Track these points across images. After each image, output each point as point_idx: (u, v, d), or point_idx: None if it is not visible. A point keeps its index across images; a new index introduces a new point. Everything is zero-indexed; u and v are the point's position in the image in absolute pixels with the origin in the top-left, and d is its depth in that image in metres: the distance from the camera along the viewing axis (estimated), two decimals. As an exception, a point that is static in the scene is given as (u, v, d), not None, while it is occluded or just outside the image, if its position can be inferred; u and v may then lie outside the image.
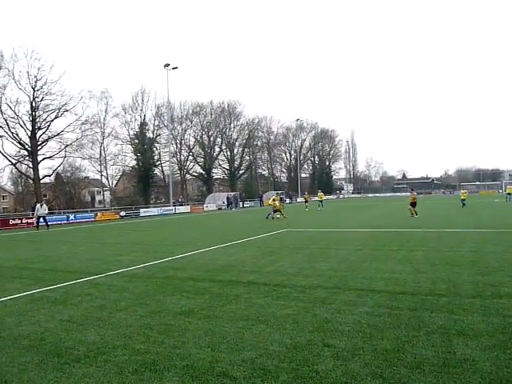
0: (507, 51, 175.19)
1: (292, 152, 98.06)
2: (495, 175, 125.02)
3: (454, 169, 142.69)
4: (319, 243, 14.02)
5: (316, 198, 43.98)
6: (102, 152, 57.46)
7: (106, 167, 58.81)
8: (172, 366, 4.38)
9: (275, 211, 28.15)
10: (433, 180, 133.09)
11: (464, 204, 33.22)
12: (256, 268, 9.83)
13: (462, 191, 35.91)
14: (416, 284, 7.56)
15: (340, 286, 7.61)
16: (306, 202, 42.31)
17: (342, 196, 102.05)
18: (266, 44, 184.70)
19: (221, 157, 77.42)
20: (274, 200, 28.80)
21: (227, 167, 78.00)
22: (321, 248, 12.79)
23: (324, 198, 44.17)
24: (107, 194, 64.19)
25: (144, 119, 60.18)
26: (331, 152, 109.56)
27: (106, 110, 57.61)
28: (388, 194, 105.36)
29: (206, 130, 73.44)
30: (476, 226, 18.12)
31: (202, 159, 73.16)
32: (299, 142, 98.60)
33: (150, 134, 61.35)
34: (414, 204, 24.24)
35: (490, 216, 24.09)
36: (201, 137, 73.27)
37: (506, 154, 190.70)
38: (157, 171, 64.03)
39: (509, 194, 44.71)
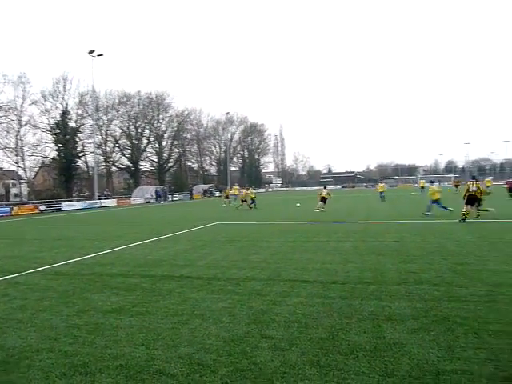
0: (426, 54, 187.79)
1: (221, 145, 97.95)
2: (411, 170, 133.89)
3: (376, 164, 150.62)
4: (251, 236, 14.12)
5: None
6: (19, 142, 53.35)
7: (22, 158, 54.58)
8: (104, 367, 4.16)
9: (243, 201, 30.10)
10: (356, 174, 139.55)
11: (383, 197, 34.45)
12: (188, 262, 9.66)
13: (380, 185, 37.45)
14: (346, 273, 7.85)
15: (274, 278, 7.70)
16: (227, 197, 38.51)
17: (270, 189, 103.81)
18: (196, 35, 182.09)
19: (149, 149, 75.33)
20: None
21: (155, 160, 76.06)
22: (253, 241, 12.88)
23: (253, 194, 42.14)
24: (24, 186, 59.81)
25: (66, 108, 56.63)
26: (260, 146, 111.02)
27: (23, 97, 53.35)
28: (315, 188, 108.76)
29: (133, 120, 70.93)
30: (397, 217, 19.25)
31: (129, 151, 70.65)
32: (229, 135, 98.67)
33: (72, 124, 57.93)
34: (324, 199, 25.03)
35: (408, 208, 25.77)
36: (128, 128, 70.67)
37: (421, 151, 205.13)
38: (80, 163, 60.67)
39: (422, 187, 48.49)
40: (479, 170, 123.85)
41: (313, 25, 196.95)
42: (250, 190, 32.27)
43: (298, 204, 29.43)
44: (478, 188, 16.40)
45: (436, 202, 19.37)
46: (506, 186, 33.28)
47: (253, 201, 30.19)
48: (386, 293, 6.42)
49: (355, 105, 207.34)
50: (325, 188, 27.24)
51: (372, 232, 13.96)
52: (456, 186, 44.05)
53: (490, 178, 52.90)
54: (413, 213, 21.37)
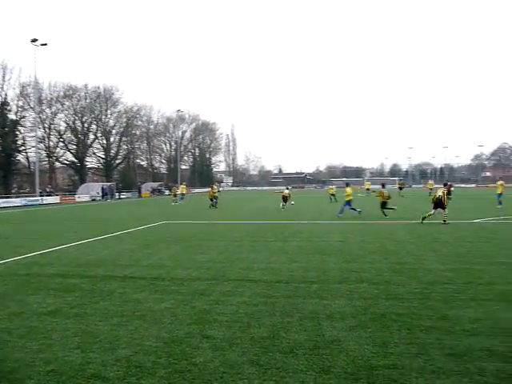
0: (373, 62, 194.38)
1: (172, 143, 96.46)
2: (359, 172, 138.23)
3: (325, 165, 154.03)
4: (199, 235, 14.00)
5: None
6: (-49, 133, 49.88)
7: (-45, 151, 51.16)
8: (35, 372, 3.97)
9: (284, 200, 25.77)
10: (306, 175, 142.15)
11: (333, 199, 34.98)
12: (132, 262, 9.43)
13: (330, 187, 38.43)
14: (290, 273, 7.97)
15: (218, 278, 7.68)
16: (175, 195, 38.01)
17: (221, 189, 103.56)
18: (146, 29, 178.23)
19: (96, 145, 72.77)
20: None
21: (103, 156, 73.64)
22: (200, 240, 12.78)
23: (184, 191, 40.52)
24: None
25: (5, 99, 53.58)
26: (212, 145, 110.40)
27: (-44, 85, 50.02)
28: (265, 188, 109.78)
29: (79, 115, 68.26)
30: (342, 218, 19.78)
31: (75, 146, 67.95)
32: (180, 133, 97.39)
33: (12, 116, 54.89)
34: (285, 198, 25.65)
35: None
36: (73, 122, 67.93)
37: (368, 154, 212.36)
38: (20, 157, 57.62)
39: (367, 189, 50.17)
40: (421, 173, 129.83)
41: (264, 22, 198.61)
42: (214, 187, 31.26)
43: (293, 202, 27.76)
44: (443, 193, 16.87)
45: (348, 203, 20.42)
46: (444, 188, 35.00)
47: (215, 198, 29.51)
48: (327, 291, 6.58)
49: (306, 106, 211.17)
50: (287, 189, 27.64)
51: (318, 232, 14.26)
52: (400, 188, 45.71)
53: (431, 181, 55.60)
54: (355, 214, 22.05)
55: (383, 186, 21.94)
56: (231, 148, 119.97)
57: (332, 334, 4.77)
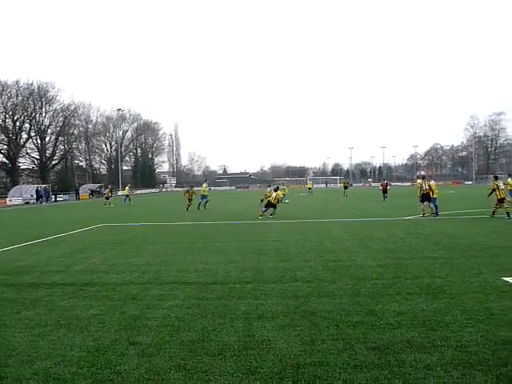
0: (314, 63, 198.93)
1: (113, 143, 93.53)
2: (302, 172, 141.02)
3: (269, 165, 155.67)
4: (136, 238, 13.63)
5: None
6: None
7: None
8: None
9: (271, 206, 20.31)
10: (250, 175, 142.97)
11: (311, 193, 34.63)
12: (62, 267, 9.00)
13: (282, 187, 38.47)
14: (226, 273, 7.94)
15: (153, 281, 7.50)
16: (108, 198, 36.59)
17: (165, 189, 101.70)
18: (83, 23, 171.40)
19: (29, 145, 69.13)
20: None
21: (37, 156, 69.98)
22: (137, 243, 12.44)
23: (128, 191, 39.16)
24: None
25: None
26: (154, 145, 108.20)
27: None
28: (210, 188, 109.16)
29: (10, 113, 64.52)
30: (281, 217, 20.04)
31: (6, 146, 64.09)
32: (121, 132, 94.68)
33: None
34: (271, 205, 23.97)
35: (295, 208, 27.01)
36: (4, 121, 64.03)
37: (311, 154, 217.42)
38: None
39: (309, 188, 51.52)
40: (361, 172, 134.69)
41: (205, 19, 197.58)
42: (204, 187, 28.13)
43: (287, 200, 26.42)
44: (430, 187, 18.17)
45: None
46: (380, 187, 36.52)
47: (190, 200, 27.01)
48: (261, 291, 6.61)
49: (250, 107, 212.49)
50: (277, 190, 26.05)
51: (257, 232, 14.36)
52: (345, 187, 45.81)
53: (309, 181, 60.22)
54: (298, 213, 22.48)
55: (326, 184, 22.35)
56: (175, 148, 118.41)
57: (262, 334, 4.79)
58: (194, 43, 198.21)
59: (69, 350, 4.47)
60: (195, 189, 30.35)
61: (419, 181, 19.89)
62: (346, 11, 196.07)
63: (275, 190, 20.69)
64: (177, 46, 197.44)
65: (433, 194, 18.31)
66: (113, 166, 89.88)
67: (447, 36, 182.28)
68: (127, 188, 39.97)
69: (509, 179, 20.87)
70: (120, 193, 38.00)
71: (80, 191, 60.27)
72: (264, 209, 19.87)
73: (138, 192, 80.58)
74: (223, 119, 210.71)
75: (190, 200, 26.84)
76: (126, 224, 18.94)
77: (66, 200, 55.72)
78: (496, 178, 18.71)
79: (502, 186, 17.72)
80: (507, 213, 16.53)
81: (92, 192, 64.35)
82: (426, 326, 4.92)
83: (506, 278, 7.02)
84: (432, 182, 18.96)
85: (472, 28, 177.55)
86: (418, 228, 14.39)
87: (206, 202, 27.28)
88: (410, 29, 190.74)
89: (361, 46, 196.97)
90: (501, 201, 17.35)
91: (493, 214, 17.41)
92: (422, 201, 18.26)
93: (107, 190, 39.00)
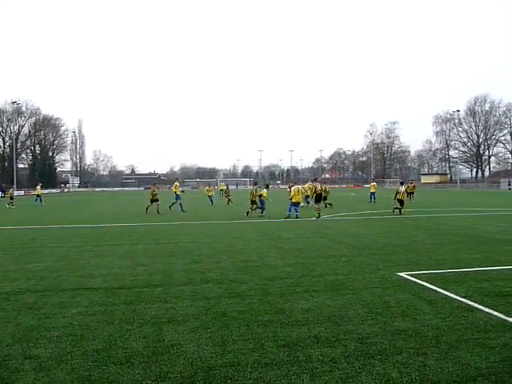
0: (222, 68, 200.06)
1: (7, 139, 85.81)
2: (212, 173, 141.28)
3: (179, 166, 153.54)
4: (33, 241, 12.58)
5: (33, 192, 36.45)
6: None
7: None
8: None
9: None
10: (160, 176, 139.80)
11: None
12: None
13: (221, 184, 38.58)
14: (134, 277, 7.64)
15: (53, 288, 6.96)
16: (12, 198, 33.89)
17: (67, 190, 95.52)
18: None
19: None
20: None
21: None
22: (35, 247, 11.49)
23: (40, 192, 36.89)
24: None
25: None
26: (55, 142, 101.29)
27: None
28: (116, 189, 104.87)
29: None
30: (192, 219, 19.86)
31: None
32: (16, 127, 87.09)
33: None
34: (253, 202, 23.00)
35: (208, 209, 26.93)
36: None
37: (222, 156, 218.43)
38: None
39: (221, 190, 51.89)
40: (270, 174, 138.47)
41: (112, 11, 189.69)
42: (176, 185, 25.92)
43: (270, 200, 24.27)
44: (324, 189, 20.47)
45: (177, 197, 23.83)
46: (288, 189, 37.79)
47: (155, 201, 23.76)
48: (171, 294, 6.46)
49: (160, 106, 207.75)
50: (267, 187, 24.56)
51: (167, 233, 14.06)
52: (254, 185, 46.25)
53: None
54: (209, 214, 22.45)
55: (237, 185, 22.66)
56: (78, 146, 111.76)
57: (172, 338, 4.68)
58: (98, 34, 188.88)
59: (-49, 370, 3.98)
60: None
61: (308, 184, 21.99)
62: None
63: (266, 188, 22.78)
64: (81, 36, 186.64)
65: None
66: (6, 164, 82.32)
67: (350, 49, 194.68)
68: (38, 187, 37.84)
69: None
70: (32, 192, 35.19)
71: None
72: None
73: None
74: (131, 117, 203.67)
75: (155, 200, 22.71)
76: (23, 227, 17.42)
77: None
78: (401, 184, 21.65)
79: (402, 189, 20.56)
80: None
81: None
82: (331, 321, 5.17)
83: (400, 273, 7.65)
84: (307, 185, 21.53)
85: (372, 42, 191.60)
86: (322, 228, 15.11)
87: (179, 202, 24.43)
88: (317, 37, 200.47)
89: (270, 51, 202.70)
90: (400, 202, 20.13)
91: (399, 211, 19.99)
92: (316, 201, 19.39)
93: (11, 190, 36.37)
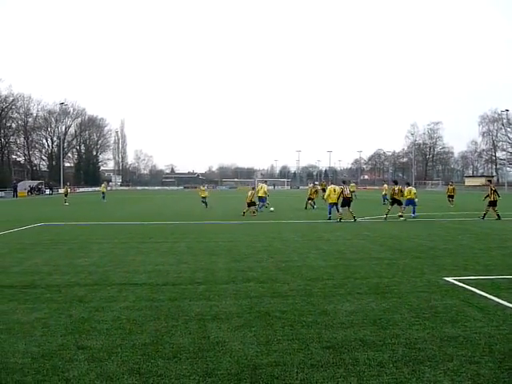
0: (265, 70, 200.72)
1: (54, 138, 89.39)
2: (250, 173, 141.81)
3: (217, 165, 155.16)
4: (80, 237, 13.06)
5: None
6: None
7: None
8: None
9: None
10: (198, 175, 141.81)
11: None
12: (0, 269, 8.44)
13: (202, 188, 38.23)
14: (178, 274, 7.78)
15: (101, 283, 7.20)
16: (66, 195, 35.80)
17: (109, 188, 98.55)
18: (25, 10, 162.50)
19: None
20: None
21: (-31, 150, 65.51)
22: (82, 242, 11.92)
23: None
24: None
25: None
26: (99, 142, 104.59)
27: None
28: (157, 188, 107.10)
29: None
30: (231, 217, 20.00)
31: None
32: (63, 127, 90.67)
33: None
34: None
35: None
36: None
37: (260, 156, 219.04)
38: None
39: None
40: (308, 175, 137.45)
41: (156, 15, 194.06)
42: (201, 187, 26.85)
43: (272, 208, 23.84)
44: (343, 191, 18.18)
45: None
46: (308, 188, 37.46)
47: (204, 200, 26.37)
48: (214, 292, 6.54)
49: (199, 106, 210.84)
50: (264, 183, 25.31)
51: (207, 232, 14.24)
52: (323, 189, 44.31)
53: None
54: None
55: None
56: (120, 146, 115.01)
57: (217, 336, 4.73)
58: (141, 38, 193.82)
59: (11, 357, 4.19)
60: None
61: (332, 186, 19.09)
62: (286, 16, 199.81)
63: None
64: (125, 40, 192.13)
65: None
66: (54, 163, 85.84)
67: (391, 48, 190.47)
68: (103, 185, 41.00)
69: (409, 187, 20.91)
70: (80, 190, 37.28)
71: (18, 188, 56.96)
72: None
73: (81, 190, 77.53)
74: (171, 118, 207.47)
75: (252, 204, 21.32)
76: (69, 223, 18.12)
77: (1, 197, 52.50)
78: (490, 182, 20.25)
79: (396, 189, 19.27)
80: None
81: (31, 189, 61.07)
82: (376, 324, 5.07)
83: (446, 278, 7.40)
84: (352, 184, 20.15)
85: (414, 41, 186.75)
86: (363, 230, 14.86)
87: (263, 205, 23.79)
88: (356, 37, 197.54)
89: (308, 51, 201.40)
90: (493, 203, 18.48)
91: (484, 216, 18.48)
92: (343, 205, 17.93)
93: (66, 187, 38.54)
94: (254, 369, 3.91)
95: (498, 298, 6.16)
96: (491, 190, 18.64)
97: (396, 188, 19.38)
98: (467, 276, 7.59)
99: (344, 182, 19.61)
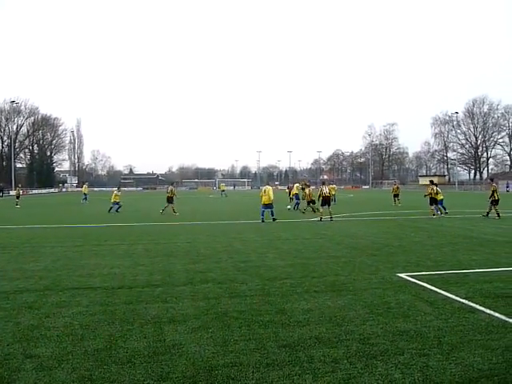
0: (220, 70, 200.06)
1: (5, 138, 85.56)
2: (210, 174, 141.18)
3: (177, 166, 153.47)
4: (32, 241, 12.54)
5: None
6: None
7: None
8: None
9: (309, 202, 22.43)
10: (158, 176, 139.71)
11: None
12: None
13: (222, 185, 39.38)
14: (134, 277, 7.62)
15: (52, 288, 6.93)
16: (18, 197, 33.96)
17: (65, 189, 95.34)
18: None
19: None
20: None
21: None
22: (33, 246, 11.45)
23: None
24: None
25: None
26: (54, 142, 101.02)
27: None
28: (115, 188, 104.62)
29: None
30: (190, 219, 19.84)
31: None
32: (14, 127, 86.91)
33: None
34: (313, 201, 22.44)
35: (204, 209, 26.93)
36: None
37: (220, 156, 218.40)
38: None
39: (223, 190, 52.15)
40: (269, 175, 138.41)
41: (116, 11, 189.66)
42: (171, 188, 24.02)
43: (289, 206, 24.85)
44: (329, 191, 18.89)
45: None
46: (287, 189, 37.83)
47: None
48: (171, 294, 6.44)
49: (158, 106, 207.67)
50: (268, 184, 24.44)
51: (165, 233, 14.03)
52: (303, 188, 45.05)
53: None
54: (207, 215, 22.41)
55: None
56: (76, 146, 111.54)
57: (173, 339, 4.66)
58: (97, 35, 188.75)
59: (-49, 369, 3.95)
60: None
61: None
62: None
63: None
64: (80, 37, 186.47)
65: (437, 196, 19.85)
66: (5, 163, 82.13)
67: (348, 51, 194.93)
68: (85, 186, 39.03)
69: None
70: (32, 192, 35.14)
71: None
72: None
73: (35, 192, 74.56)
74: (130, 118, 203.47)
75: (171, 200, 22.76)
76: (21, 226, 17.36)
77: None
78: (492, 180, 20.43)
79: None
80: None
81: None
82: (332, 321, 5.16)
83: (400, 274, 7.64)
84: (332, 186, 20.19)
85: (371, 44, 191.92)
86: (321, 229, 15.10)
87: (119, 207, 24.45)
88: (316, 39, 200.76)
89: (267, 53, 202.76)
90: (496, 202, 18.60)
91: (487, 214, 18.89)
92: (323, 205, 18.30)
93: (17, 189, 35.98)
94: (209, 370, 3.88)
95: (447, 292, 6.42)
96: (493, 190, 19.03)
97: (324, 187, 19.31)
98: (419, 272, 7.87)
99: (323, 183, 19.87)
